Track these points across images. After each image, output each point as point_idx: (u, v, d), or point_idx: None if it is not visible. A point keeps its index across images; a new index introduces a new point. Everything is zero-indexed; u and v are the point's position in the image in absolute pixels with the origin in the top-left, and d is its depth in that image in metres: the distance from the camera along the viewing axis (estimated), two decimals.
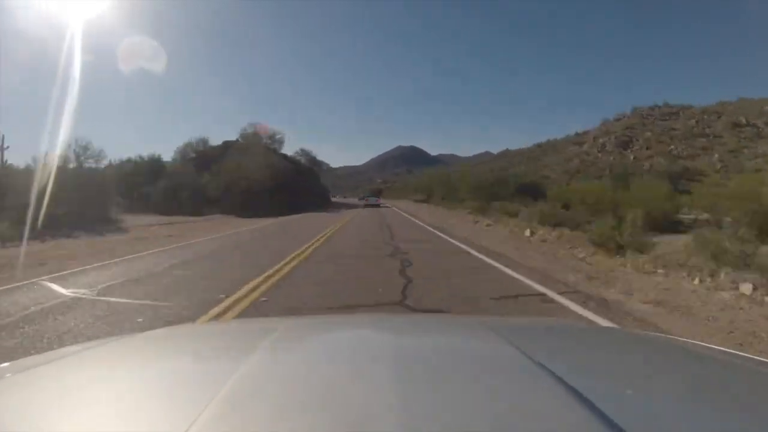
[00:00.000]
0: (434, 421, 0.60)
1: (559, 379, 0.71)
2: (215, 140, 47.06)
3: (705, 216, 14.99)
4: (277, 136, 50.81)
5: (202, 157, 40.48)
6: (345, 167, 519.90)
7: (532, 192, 30.40)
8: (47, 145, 19.47)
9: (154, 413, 0.68)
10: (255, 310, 4.73)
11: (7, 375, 0.89)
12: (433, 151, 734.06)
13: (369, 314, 3.33)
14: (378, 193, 73.72)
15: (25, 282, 6.07)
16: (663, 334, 2.10)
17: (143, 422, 0.64)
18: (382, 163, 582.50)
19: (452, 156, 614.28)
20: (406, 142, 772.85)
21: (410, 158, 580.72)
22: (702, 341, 2.14)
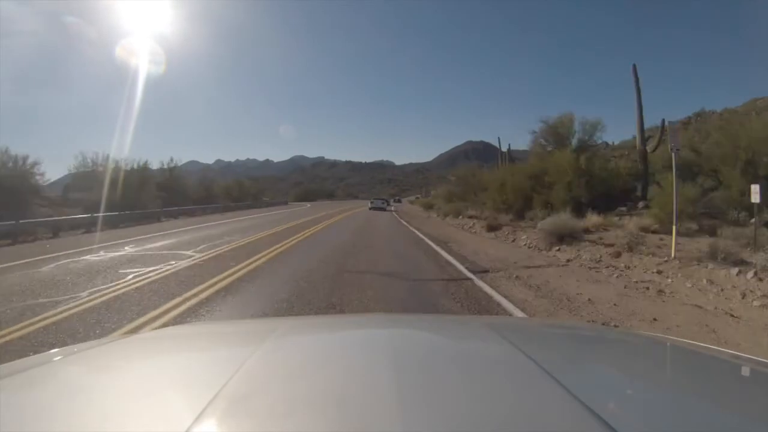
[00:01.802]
0: (433, 421, 0.61)
1: (559, 379, 0.72)
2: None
3: None
4: None
5: None
6: (411, 164, 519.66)
7: None
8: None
9: (155, 413, 0.68)
10: None
11: (7, 375, 0.88)
12: (504, 146, 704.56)
13: (369, 314, 3.28)
14: None
15: None
16: (661, 335, 1.85)
17: (144, 422, 0.65)
18: (451, 158, 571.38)
19: (524, 151, 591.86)
20: (476, 137, 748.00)
21: (481, 154, 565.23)
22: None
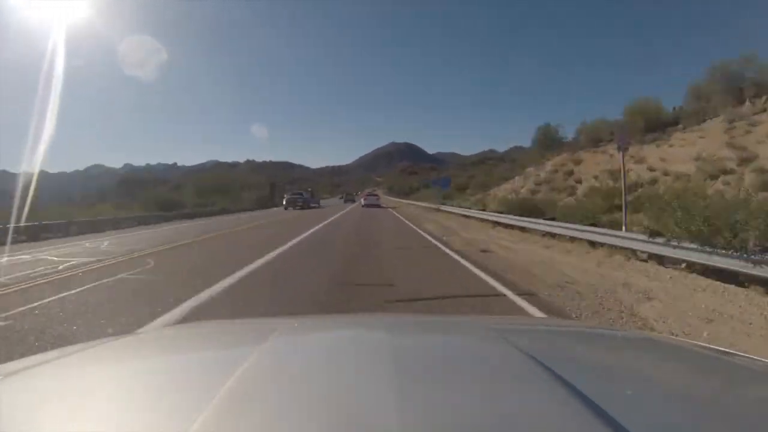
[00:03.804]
0: (433, 422, 0.62)
1: (559, 379, 0.73)
2: None
3: None
4: None
5: None
6: (327, 167, 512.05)
7: None
8: None
9: (155, 413, 0.69)
10: None
11: (7, 375, 0.89)
12: (431, 149, 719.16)
13: (369, 314, 3.45)
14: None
15: None
16: (662, 335, 2.20)
17: (144, 422, 0.66)
18: (372, 161, 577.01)
19: (453, 155, 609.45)
20: (399, 139, 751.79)
21: (406, 156, 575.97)
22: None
